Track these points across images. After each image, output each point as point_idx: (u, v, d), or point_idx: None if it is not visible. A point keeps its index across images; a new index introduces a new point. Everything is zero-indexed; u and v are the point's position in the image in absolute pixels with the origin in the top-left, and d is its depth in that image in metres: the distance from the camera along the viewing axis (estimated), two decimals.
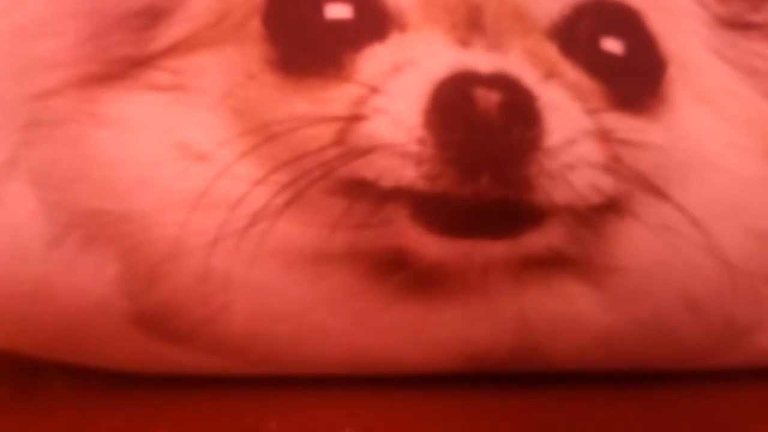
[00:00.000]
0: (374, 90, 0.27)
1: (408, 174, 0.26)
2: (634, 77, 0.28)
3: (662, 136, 0.28)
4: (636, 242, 0.28)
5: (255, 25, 0.27)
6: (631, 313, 0.29)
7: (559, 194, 0.27)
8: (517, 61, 0.27)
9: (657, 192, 0.28)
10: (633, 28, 0.28)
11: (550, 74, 0.28)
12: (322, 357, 0.29)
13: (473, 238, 0.27)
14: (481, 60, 0.27)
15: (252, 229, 0.27)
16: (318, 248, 0.27)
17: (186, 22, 0.27)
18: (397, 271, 0.27)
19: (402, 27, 0.28)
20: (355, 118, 0.27)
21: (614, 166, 0.27)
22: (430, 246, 0.27)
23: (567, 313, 0.28)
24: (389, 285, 0.27)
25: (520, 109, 0.26)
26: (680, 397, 0.30)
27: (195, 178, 0.27)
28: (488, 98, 0.26)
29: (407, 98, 0.27)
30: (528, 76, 0.27)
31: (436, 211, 0.27)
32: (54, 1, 0.27)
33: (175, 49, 0.27)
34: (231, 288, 0.27)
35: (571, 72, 0.28)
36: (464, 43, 0.28)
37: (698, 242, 0.28)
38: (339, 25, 0.27)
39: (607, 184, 0.27)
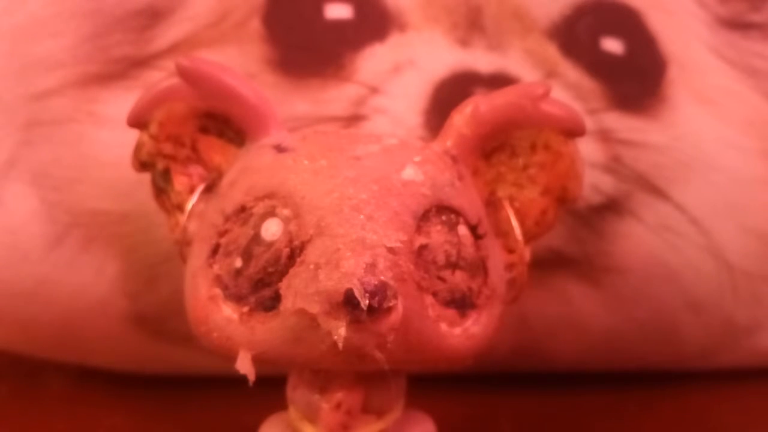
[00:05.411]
0: (374, 90, 0.27)
1: None
2: (634, 77, 0.28)
3: (662, 136, 0.28)
4: (636, 242, 0.28)
5: (255, 25, 0.27)
6: (631, 314, 0.29)
7: None
8: (517, 61, 0.28)
9: (657, 192, 0.28)
10: (633, 28, 0.28)
11: (550, 74, 0.28)
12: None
13: None
14: (481, 60, 0.27)
15: None
16: None
17: (186, 22, 0.27)
18: None
19: (402, 27, 0.28)
20: (355, 118, 0.27)
21: (614, 165, 0.27)
22: None
23: (567, 314, 0.28)
24: None
25: None
26: (680, 397, 0.30)
27: None
28: None
29: (407, 98, 0.27)
30: (528, 76, 0.27)
31: None
32: (54, 2, 0.27)
33: (175, 49, 0.27)
34: None
35: (571, 72, 0.28)
36: (464, 43, 0.28)
37: (698, 242, 0.28)
38: (339, 25, 0.27)
39: (607, 183, 0.27)
